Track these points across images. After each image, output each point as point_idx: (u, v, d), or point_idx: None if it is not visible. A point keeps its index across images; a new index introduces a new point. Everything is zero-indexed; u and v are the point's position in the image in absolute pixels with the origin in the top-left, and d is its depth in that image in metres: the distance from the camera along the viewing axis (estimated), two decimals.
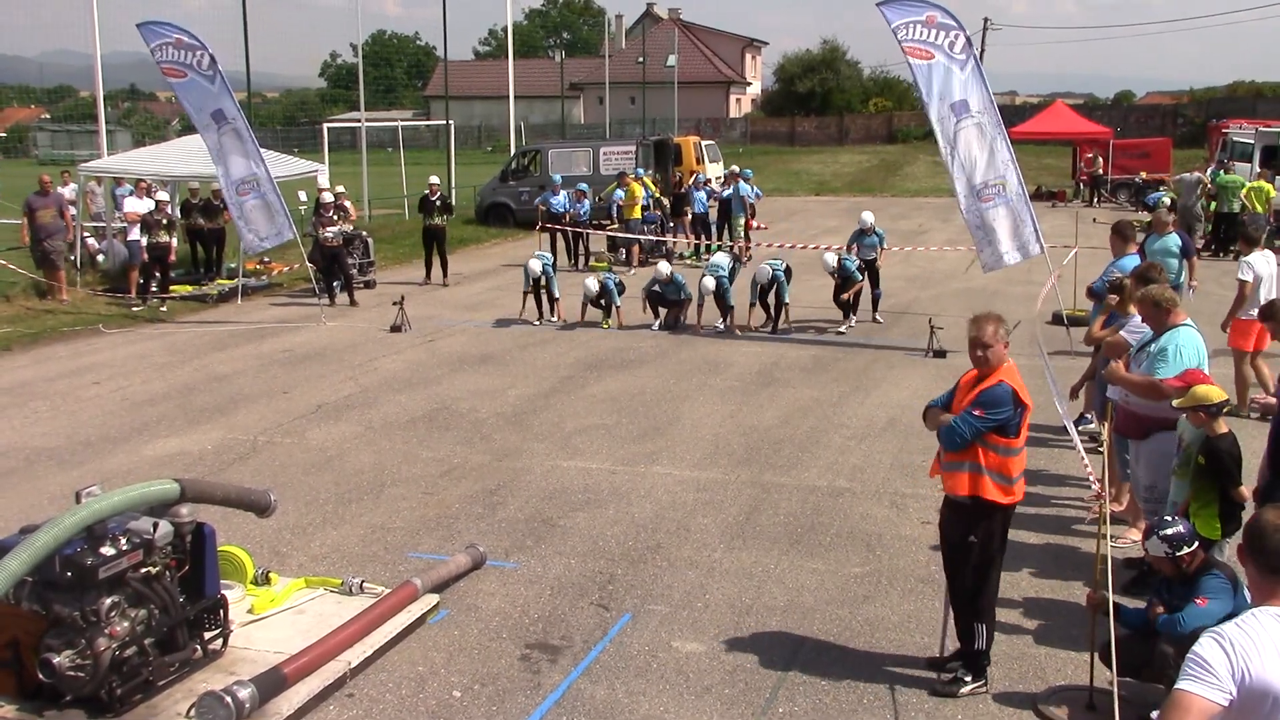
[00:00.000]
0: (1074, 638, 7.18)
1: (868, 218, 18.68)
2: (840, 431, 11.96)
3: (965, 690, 6.47)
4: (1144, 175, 37.12)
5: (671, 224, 26.99)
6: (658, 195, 27.57)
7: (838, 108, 78.42)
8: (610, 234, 25.42)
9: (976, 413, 6.32)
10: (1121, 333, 8.89)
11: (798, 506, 9.69)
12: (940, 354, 15.46)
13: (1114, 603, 6.30)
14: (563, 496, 10.00)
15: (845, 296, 17.56)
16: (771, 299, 17.48)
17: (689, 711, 6.43)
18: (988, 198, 14.90)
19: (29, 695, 6.30)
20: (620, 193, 25.46)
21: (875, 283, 18.45)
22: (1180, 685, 3.42)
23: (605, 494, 10.06)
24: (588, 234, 25.18)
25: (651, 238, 25.43)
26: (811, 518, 9.35)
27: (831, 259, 17.71)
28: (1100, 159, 38.78)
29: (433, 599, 7.75)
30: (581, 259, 24.81)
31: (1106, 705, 5.91)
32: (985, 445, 6.30)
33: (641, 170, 28.08)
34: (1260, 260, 12.33)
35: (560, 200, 24.66)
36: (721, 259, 18.22)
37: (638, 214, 25.37)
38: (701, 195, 25.69)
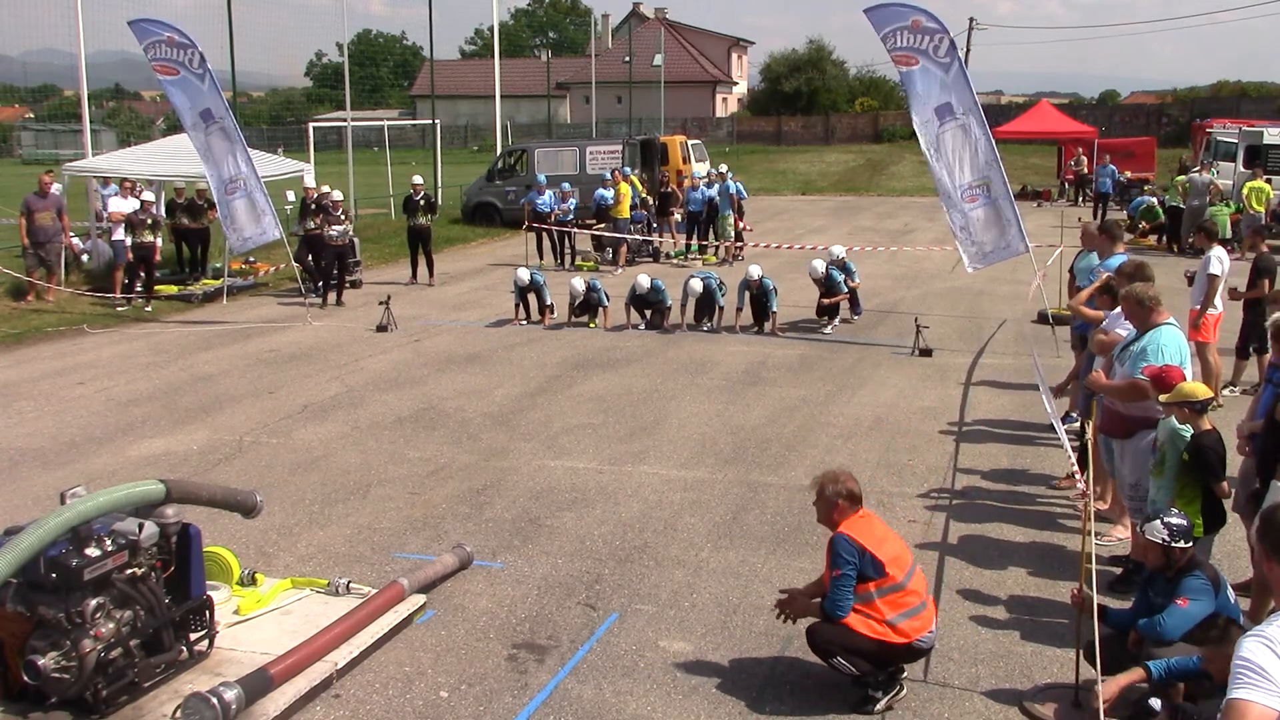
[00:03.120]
0: (1060, 635, 7.21)
1: (836, 250, 18.42)
2: (827, 430, 11.98)
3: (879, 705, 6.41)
4: (1128, 175, 37.26)
5: (657, 224, 27.00)
6: (644, 195, 27.57)
7: (824, 107, 78.55)
8: (596, 233, 25.42)
9: (835, 574, 6.30)
10: (1116, 329, 8.87)
11: (784, 505, 9.71)
12: (926, 353, 15.50)
13: (1098, 601, 6.33)
14: (550, 496, 10.00)
15: (827, 303, 17.52)
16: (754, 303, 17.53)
17: (677, 710, 6.44)
18: (972, 198, 14.95)
19: (14, 697, 6.28)
20: (609, 192, 25.46)
21: (854, 306, 18.38)
22: (1236, 694, 3.25)
23: (592, 493, 10.06)
24: (574, 233, 25.18)
25: (638, 237, 25.43)
26: (798, 516, 9.36)
27: (820, 265, 17.56)
28: (1085, 158, 38.92)
29: (420, 599, 7.74)
30: (568, 258, 24.80)
31: (1090, 703, 5.93)
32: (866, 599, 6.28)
33: (629, 169, 28.08)
34: (1224, 254, 12.83)
35: (546, 200, 24.66)
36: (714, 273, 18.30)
37: (625, 213, 25.37)
38: (698, 195, 25.66)
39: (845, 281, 17.89)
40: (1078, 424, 11.13)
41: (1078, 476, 7.60)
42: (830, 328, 17.30)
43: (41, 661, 6.02)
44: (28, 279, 20.21)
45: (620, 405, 13.04)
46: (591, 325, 17.78)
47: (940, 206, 16.15)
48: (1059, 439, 9.55)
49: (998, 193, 14.92)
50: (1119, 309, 8.70)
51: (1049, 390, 10.11)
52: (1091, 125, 45.21)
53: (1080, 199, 38.90)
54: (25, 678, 6.11)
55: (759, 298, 17.35)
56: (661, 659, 7.05)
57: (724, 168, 27.01)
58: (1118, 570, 8.12)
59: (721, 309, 17.55)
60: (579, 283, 17.94)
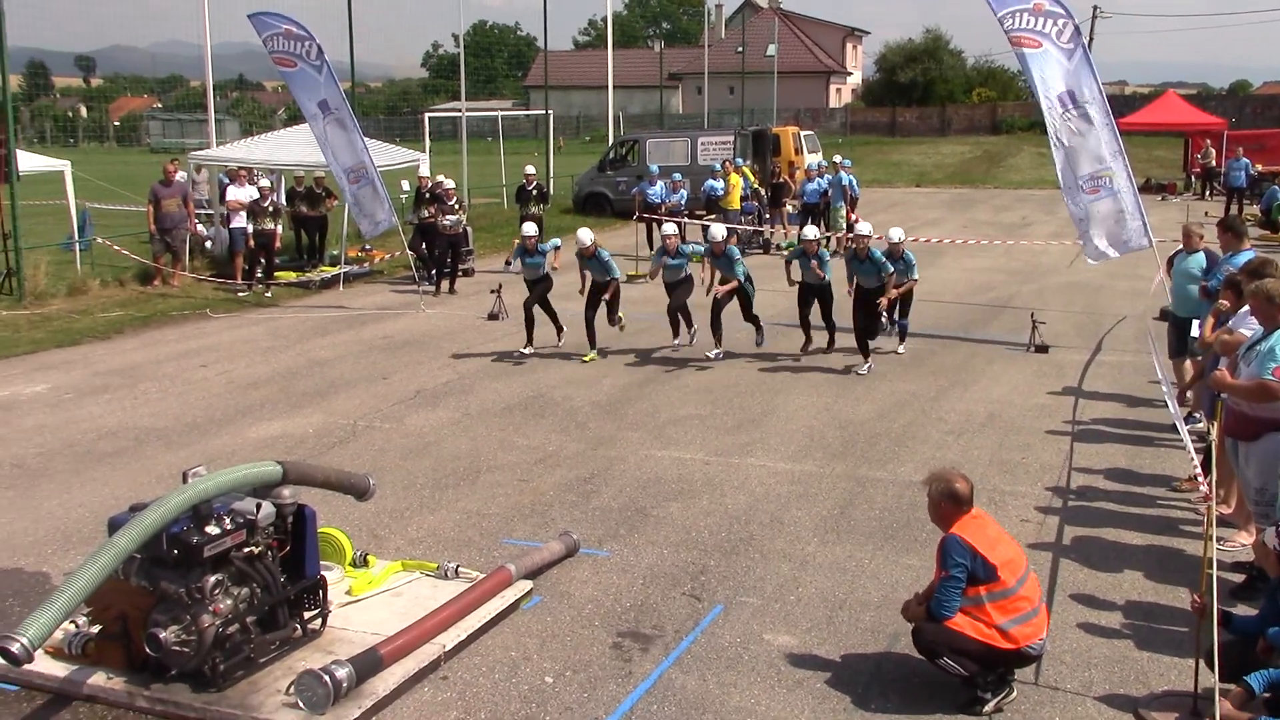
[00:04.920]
0: (1178, 642, 7.00)
1: (894, 234, 15.05)
2: (938, 426, 11.79)
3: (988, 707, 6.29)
4: (1260, 168, 35.94)
5: (769, 215, 26.83)
6: (756, 185, 27.42)
7: (940, 98, 77.29)
8: (707, 224, 25.34)
9: (944, 575, 6.20)
10: (1240, 329, 8.57)
11: (893, 501, 9.58)
12: (1042, 349, 15.15)
13: (1220, 608, 6.13)
14: (656, 486, 10.01)
15: (881, 301, 14.25)
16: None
17: (780, 704, 6.40)
18: (1094, 190, 14.55)
19: (136, 668, 6.50)
20: (718, 183, 25.36)
21: (904, 310, 15.35)
22: None
23: (699, 484, 10.05)
24: (684, 224, 25.15)
25: (749, 228, 25.30)
26: (907, 513, 9.23)
27: (897, 233, 15.00)
28: (1213, 151, 37.66)
29: (526, 585, 7.81)
30: None
31: (1211, 712, 5.74)
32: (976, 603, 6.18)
33: (740, 160, 27.94)
34: None
35: (657, 190, 24.66)
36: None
37: (736, 204, 25.26)
38: (813, 186, 25.40)
39: (886, 275, 14.30)
40: (1201, 425, 10.79)
41: (1200, 479, 7.36)
42: (866, 368, 14.18)
43: (163, 635, 6.21)
44: (154, 264, 20.88)
45: (727, 396, 13.00)
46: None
47: (1060, 199, 15.76)
48: (1181, 440, 9.26)
49: (1121, 185, 14.50)
50: (1245, 307, 8.40)
51: (1172, 389, 9.80)
52: (1221, 116, 43.78)
53: (1208, 193, 37.67)
54: (147, 650, 6.32)
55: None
56: (766, 652, 7.02)
57: (839, 158, 26.69)
58: (1241, 577, 7.85)
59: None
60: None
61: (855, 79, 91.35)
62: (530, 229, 15.67)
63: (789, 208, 27.25)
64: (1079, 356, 15.00)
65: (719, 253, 14.96)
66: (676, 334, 15.55)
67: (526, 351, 15.17)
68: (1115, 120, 14.91)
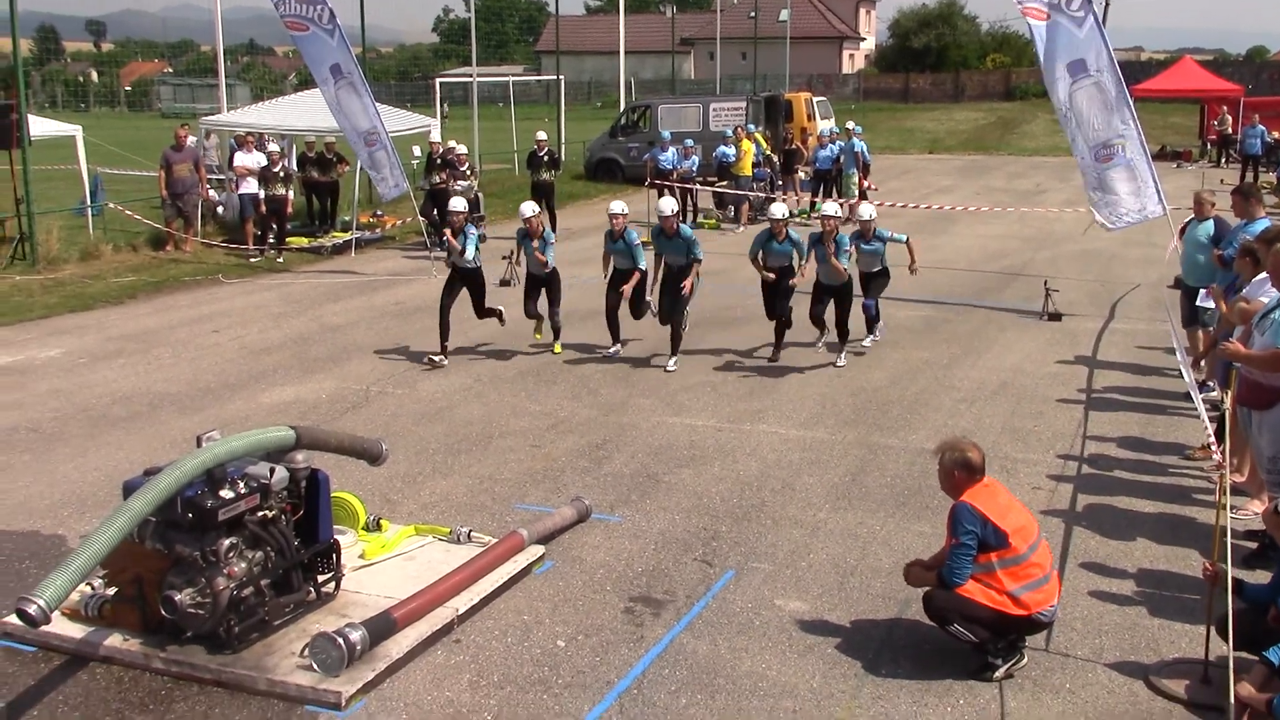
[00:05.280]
0: (1190, 610, 7.00)
1: (865, 210, 13.66)
2: (950, 394, 11.78)
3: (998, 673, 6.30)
4: (1277, 135, 35.64)
5: (781, 181, 26.73)
6: (768, 152, 27.30)
7: (953, 64, 76.74)
8: (719, 191, 25.28)
9: (955, 542, 6.20)
10: (1258, 296, 8.51)
11: (905, 469, 9.59)
12: (1055, 317, 15.11)
13: (1233, 575, 6.13)
14: (668, 452, 10.03)
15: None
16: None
17: (792, 669, 6.43)
18: (1106, 158, 14.45)
19: (152, 630, 6.55)
20: (730, 149, 25.26)
21: (877, 289, 13.75)
22: None
23: (710, 451, 10.06)
24: (696, 191, 25.07)
25: (761, 195, 25.22)
26: (919, 480, 9.23)
27: (868, 210, 13.59)
28: (1229, 118, 37.36)
29: (538, 550, 7.84)
30: (690, 215, 24.71)
31: (1221, 679, 5.76)
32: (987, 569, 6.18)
33: (752, 127, 27.81)
34: None
35: (669, 156, 24.57)
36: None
37: (748, 171, 25.16)
38: (826, 153, 25.27)
39: (853, 254, 13.04)
40: (1215, 393, 10.76)
41: (1214, 447, 7.34)
42: (822, 344, 13.28)
43: (178, 597, 6.26)
44: (166, 229, 20.88)
45: (740, 363, 13.00)
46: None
47: (1074, 166, 15.66)
48: (1195, 408, 9.24)
49: (1134, 153, 14.39)
50: (1262, 275, 8.35)
51: (1186, 357, 9.77)
52: (1237, 83, 43.38)
53: (1224, 160, 37.40)
54: (163, 612, 6.37)
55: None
56: (777, 617, 7.04)
57: (851, 125, 26.54)
58: (1253, 545, 7.84)
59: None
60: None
61: (868, 45, 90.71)
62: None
63: (801, 174, 27.14)
64: (1092, 324, 14.95)
65: (670, 232, 12.98)
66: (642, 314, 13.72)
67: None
68: (1130, 87, 14.79)
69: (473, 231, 13.23)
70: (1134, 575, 7.61)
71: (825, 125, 31.63)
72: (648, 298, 13.53)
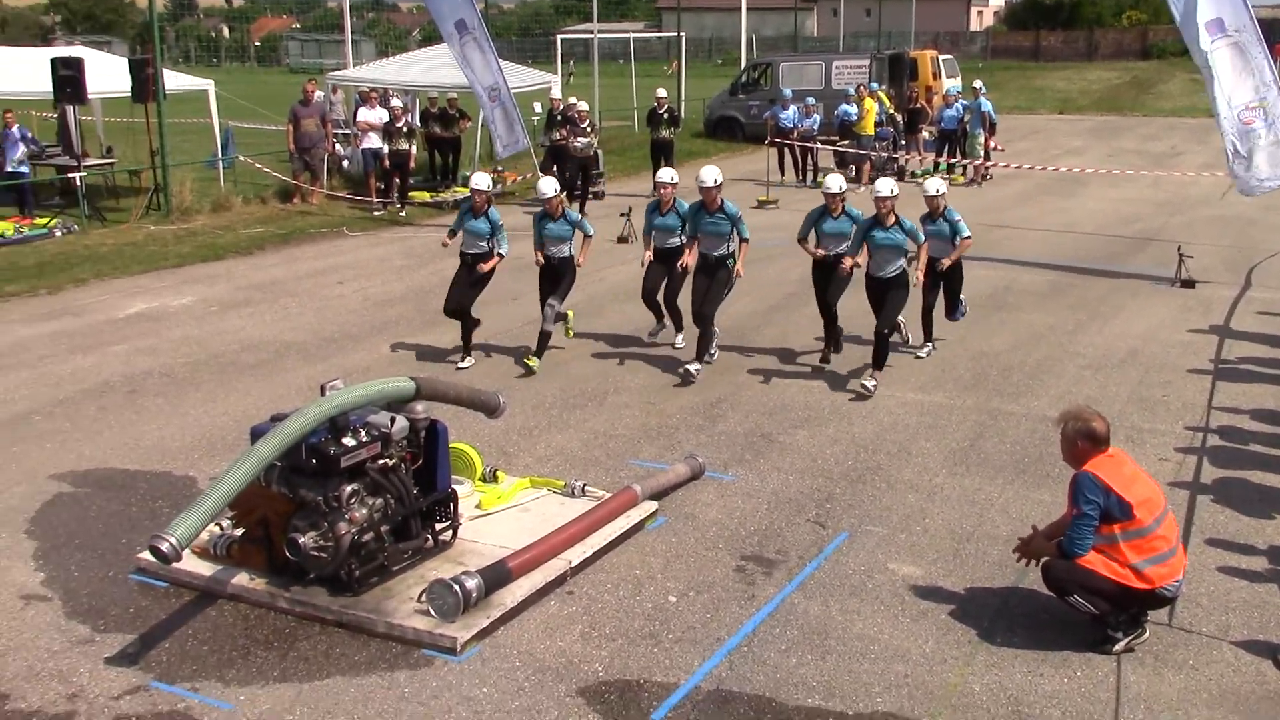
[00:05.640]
0: None
1: (932, 186, 11.69)
2: (1075, 361, 11.49)
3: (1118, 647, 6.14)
4: None
5: (904, 141, 26.24)
6: (891, 111, 26.81)
7: (1087, 21, 74.22)
8: (840, 150, 24.92)
9: (1076, 512, 6.02)
10: None
11: (1025, 435, 9.39)
12: (1189, 284, 14.61)
13: None
14: (783, 413, 9.98)
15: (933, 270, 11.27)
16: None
17: (904, 633, 6.37)
18: (1247, 120, 13.86)
19: (277, 571, 6.76)
20: (852, 108, 24.87)
21: (950, 303, 11.90)
22: None
23: (826, 412, 9.98)
24: (816, 149, 24.75)
25: (883, 154, 24.81)
26: (1040, 448, 9.04)
27: (936, 185, 11.73)
28: None
29: (651, 506, 7.88)
30: (809, 175, 24.42)
31: None
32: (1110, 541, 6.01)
33: (875, 85, 27.32)
34: None
35: (789, 115, 24.28)
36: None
37: (870, 130, 24.74)
38: (952, 112, 24.72)
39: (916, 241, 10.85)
40: None
41: None
42: (926, 350, 11.71)
43: (302, 540, 6.44)
44: (294, 182, 21.34)
45: (861, 324, 12.83)
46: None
47: (1213, 129, 15.07)
48: None
49: (1276, 115, 13.79)
50: None
51: None
52: None
53: None
54: (287, 554, 6.56)
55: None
56: (890, 581, 6.98)
57: (978, 83, 25.90)
58: None
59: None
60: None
61: (997, 1, 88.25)
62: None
63: (925, 134, 26.58)
64: (1227, 292, 14.42)
65: (713, 207, 11.20)
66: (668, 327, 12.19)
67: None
68: (1274, 46, 14.15)
69: (499, 220, 11.49)
70: (1265, 552, 7.36)
71: (951, 84, 30.90)
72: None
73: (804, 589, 6.90)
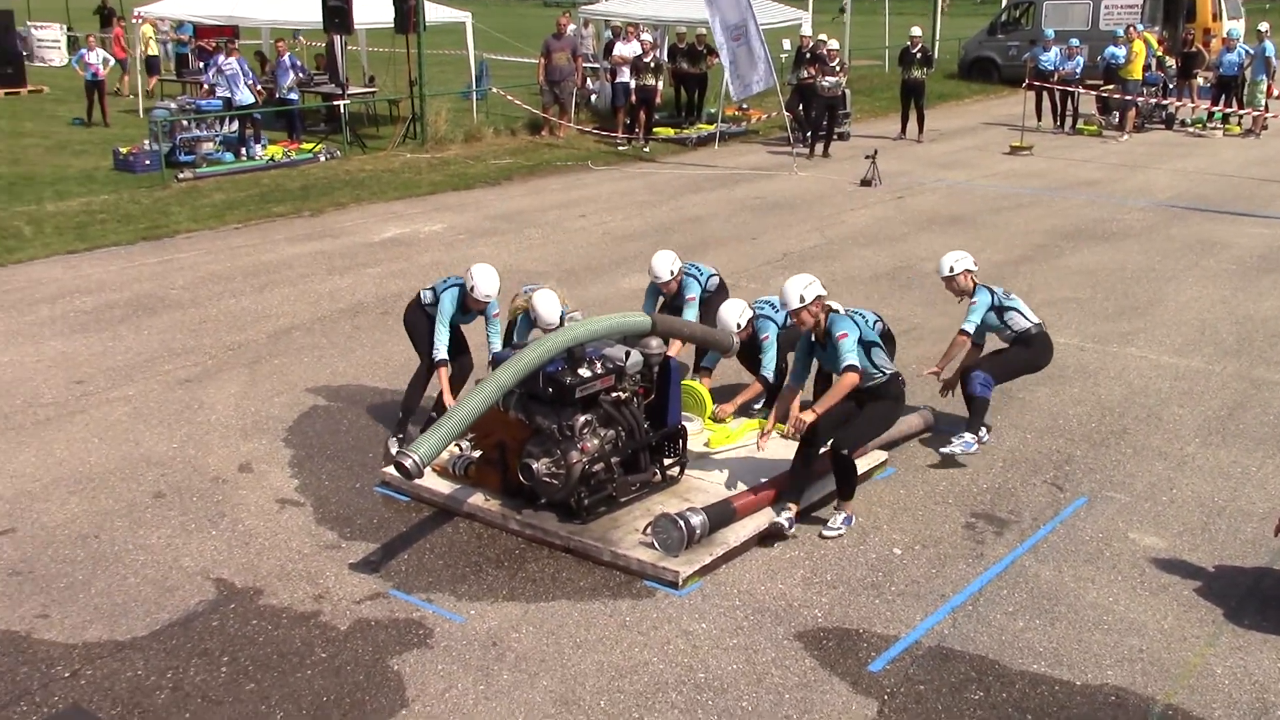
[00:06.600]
0: None
1: (950, 261, 8.52)
2: None
3: None
4: None
5: (1175, 87, 24.66)
6: (1162, 54, 25.21)
7: None
8: (1103, 95, 23.63)
9: None
10: None
11: None
12: None
13: None
14: None
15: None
16: None
17: (1142, 607, 6.09)
18: None
19: (510, 493, 7.00)
20: (1119, 50, 23.51)
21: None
22: None
23: (1071, 371, 9.57)
24: (1078, 94, 23.55)
25: (1151, 101, 23.41)
26: None
27: (952, 262, 8.51)
28: None
29: (881, 456, 7.76)
30: (1068, 120, 23.30)
31: None
32: None
33: (1144, 25, 25.72)
34: None
35: (1051, 57, 23.15)
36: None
37: (1138, 74, 23.32)
38: (1233, 56, 23.05)
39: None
40: None
41: None
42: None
43: (535, 465, 6.64)
44: (543, 115, 21.79)
45: (1111, 281, 12.23)
46: None
47: None
48: None
49: None
50: None
51: None
52: None
53: None
54: (521, 478, 6.78)
55: None
56: (1130, 551, 6.68)
57: (1264, 26, 24.03)
58: None
59: None
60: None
61: None
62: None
63: (1200, 80, 24.89)
64: None
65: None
66: None
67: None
68: None
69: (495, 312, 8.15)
70: None
71: (1233, 26, 28.78)
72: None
73: (1036, 552, 6.67)
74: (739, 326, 7.93)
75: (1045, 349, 8.21)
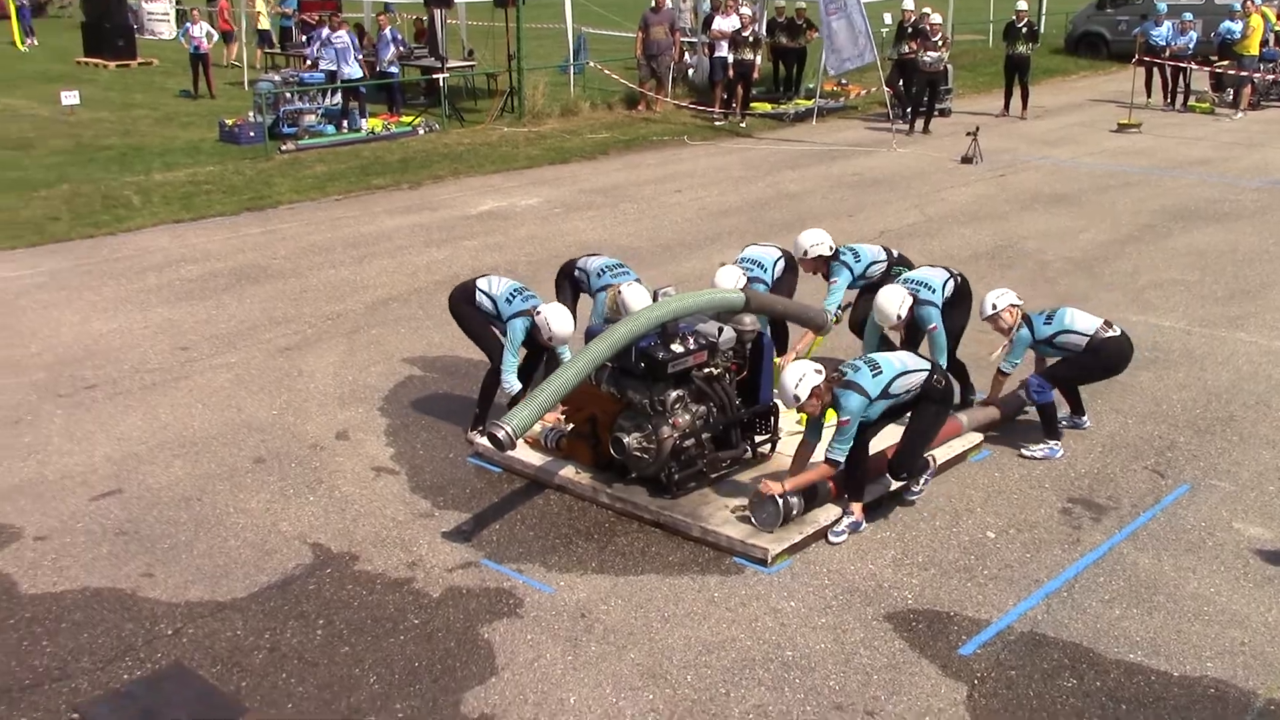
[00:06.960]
0: None
1: (993, 299, 8.14)
2: None
3: None
4: None
5: None
6: None
7: None
8: (1218, 71, 22.90)
9: None
10: None
11: None
12: None
13: None
14: None
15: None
16: None
17: (1244, 599, 5.94)
18: None
19: (601, 466, 7.04)
20: (1236, 25, 22.72)
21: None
22: None
23: (1176, 355, 9.33)
24: (1190, 70, 22.84)
25: (1269, 77, 22.62)
26: None
27: (995, 301, 8.11)
28: None
29: (977, 438, 7.65)
30: (1180, 98, 22.62)
31: None
32: None
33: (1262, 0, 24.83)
34: None
35: (1163, 32, 22.47)
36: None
37: (1255, 50, 22.54)
38: None
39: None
40: None
41: None
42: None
43: (626, 439, 6.67)
44: (640, 89, 21.75)
45: (1222, 264, 11.88)
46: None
47: None
48: None
49: None
50: None
51: None
52: None
53: None
54: (612, 452, 6.81)
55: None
56: (1234, 541, 6.50)
57: None
58: None
59: None
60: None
61: None
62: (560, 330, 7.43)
63: None
64: None
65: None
66: None
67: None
68: None
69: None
70: None
71: None
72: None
73: (1135, 539, 6.53)
74: (899, 318, 7.60)
75: (1116, 355, 7.69)
